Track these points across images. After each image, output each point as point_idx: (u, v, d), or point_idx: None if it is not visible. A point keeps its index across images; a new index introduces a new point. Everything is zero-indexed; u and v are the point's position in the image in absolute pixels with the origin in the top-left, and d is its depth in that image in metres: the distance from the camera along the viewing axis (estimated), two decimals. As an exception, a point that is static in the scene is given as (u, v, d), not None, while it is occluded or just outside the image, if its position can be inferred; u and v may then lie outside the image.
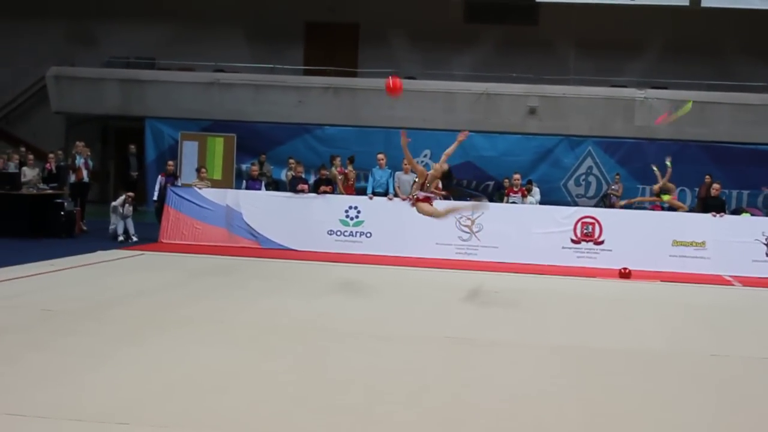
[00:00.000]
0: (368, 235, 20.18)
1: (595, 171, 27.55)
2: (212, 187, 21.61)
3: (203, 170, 22.38)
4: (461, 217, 19.83)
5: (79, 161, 22.65)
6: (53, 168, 22.60)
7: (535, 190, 22.34)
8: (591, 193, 27.54)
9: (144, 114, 29.11)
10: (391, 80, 14.28)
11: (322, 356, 9.29)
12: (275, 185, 23.17)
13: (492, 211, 20.20)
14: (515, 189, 21.22)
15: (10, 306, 11.41)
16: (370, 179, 21.05)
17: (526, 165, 26.14)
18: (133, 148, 25.99)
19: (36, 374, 7.95)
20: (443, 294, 14.48)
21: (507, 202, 21.22)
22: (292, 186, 21.15)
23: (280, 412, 7.15)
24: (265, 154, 26.09)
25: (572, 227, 19.74)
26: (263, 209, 20.53)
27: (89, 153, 23.41)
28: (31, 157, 22.92)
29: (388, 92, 14.39)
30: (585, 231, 19.70)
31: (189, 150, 28.01)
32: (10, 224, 20.36)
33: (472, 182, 27.67)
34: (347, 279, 15.99)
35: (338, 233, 20.26)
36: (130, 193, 21.33)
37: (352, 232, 20.24)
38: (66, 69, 29.92)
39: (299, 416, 7.10)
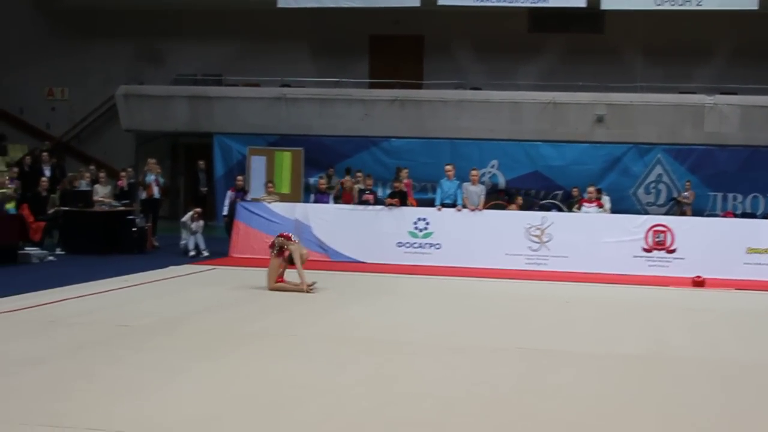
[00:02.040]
0: (437, 246, 20.15)
1: (665, 179, 27.23)
2: (280, 201, 21.75)
3: (271, 184, 22.52)
4: (530, 228, 19.73)
5: (150, 178, 22.93)
6: (125, 185, 22.89)
7: (605, 199, 22.12)
8: (661, 201, 27.21)
9: (212, 130, 29.39)
10: None
11: (395, 369, 9.27)
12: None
13: (562, 221, 20.10)
14: (590, 200, 20.95)
15: (87, 322, 11.56)
16: (438, 191, 21.00)
17: (594, 174, 25.90)
18: (202, 164, 26.27)
19: (113, 389, 8.04)
20: (514, 304, 14.41)
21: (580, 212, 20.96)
22: (360, 199, 21.23)
23: (353, 426, 7.15)
24: (333, 167, 26.18)
25: (643, 236, 19.52)
26: (332, 222, 20.60)
27: (160, 170, 23.69)
28: (102, 174, 23.22)
29: None
30: (657, 239, 19.47)
31: (257, 165, 28.20)
32: (84, 241, 20.66)
33: (540, 192, 27.51)
34: (418, 291, 15.98)
35: (407, 245, 20.26)
36: (198, 209, 21.51)
37: (421, 243, 20.23)
38: (135, 87, 30.33)
39: (372, 429, 7.09)
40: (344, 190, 21.87)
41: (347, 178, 22.81)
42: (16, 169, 22.12)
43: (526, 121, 27.90)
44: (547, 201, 27.00)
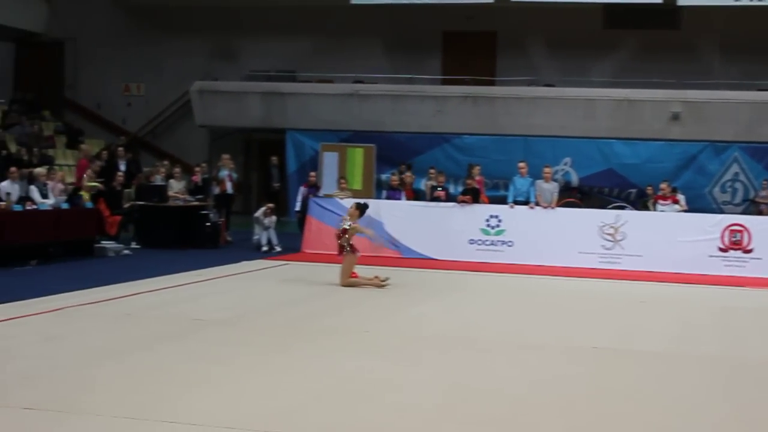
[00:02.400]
0: (510, 244, 20.04)
1: (741, 177, 26.78)
2: (353, 197, 21.77)
3: (343, 181, 22.56)
4: (604, 226, 19.56)
5: (223, 174, 23.09)
6: (200, 181, 23.09)
7: (680, 197, 21.82)
8: (737, 200, 26.76)
9: (285, 126, 29.54)
10: None
11: (467, 366, 9.25)
12: (415, 195, 23.20)
13: (636, 219, 19.88)
14: (665, 197, 20.67)
15: (163, 315, 11.71)
16: (511, 188, 20.88)
17: (669, 172, 25.53)
18: (275, 159, 26.41)
19: (188, 382, 8.13)
20: (587, 303, 14.30)
21: (655, 210, 20.67)
22: (432, 195, 21.19)
23: (426, 421, 7.14)
24: (405, 163, 26.17)
25: (719, 235, 19.22)
26: (404, 219, 20.58)
27: (233, 166, 23.85)
28: (177, 169, 23.42)
29: None
30: (733, 239, 19.17)
31: (329, 161, 28.26)
32: (158, 235, 20.88)
33: (613, 190, 27.23)
34: (489, 288, 15.94)
35: (479, 242, 20.18)
36: (271, 205, 21.60)
37: (493, 241, 20.14)
38: (209, 83, 30.59)
39: (446, 426, 7.08)
40: (405, 185, 21.87)
41: (407, 173, 22.78)
42: (99, 163, 22.39)
43: (599, 119, 27.63)
44: (615, 204, 26.76)
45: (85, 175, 21.12)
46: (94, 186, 20.64)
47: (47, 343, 9.70)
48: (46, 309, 11.78)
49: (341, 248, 15.37)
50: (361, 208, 16.08)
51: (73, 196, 19.90)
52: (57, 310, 11.72)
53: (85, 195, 20.12)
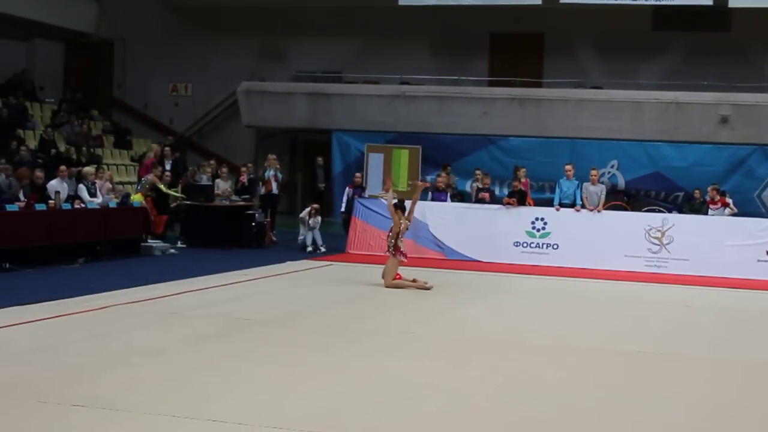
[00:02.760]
0: (555, 246, 19.97)
1: (791, 181, 26.50)
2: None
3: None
4: (651, 229, 19.42)
5: (269, 174, 23.16)
6: (246, 181, 23.19)
7: (729, 201, 21.60)
8: (787, 204, 26.48)
9: (331, 127, 29.61)
10: None
11: (512, 369, 9.22)
12: (460, 197, 23.17)
13: (683, 223, 19.72)
14: (713, 200, 20.48)
15: (208, 315, 11.77)
16: (557, 190, 20.79)
17: (717, 175, 25.26)
18: (320, 160, 26.45)
19: (233, 381, 8.16)
20: (633, 307, 14.20)
21: (707, 214, 20.49)
22: (476, 197, 21.16)
23: (471, 424, 7.12)
24: (450, 165, 26.13)
25: (768, 240, 19.06)
26: (449, 220, 20.58)
27: (279, 166, 23.90)
28: (224, 169, 23.53)
29: None
30: (782, 244, 18.98)
31: (375, 162, 28.30)
32: (204, 235, 20.99)
33: (660, 193, 27.03)
34: (534, 291, 15.89)
35: (524, 245, 20.13)
36: (315, 205, 21.66)
37: (538, 243, 20.08)
38: (256, 84, 30.71)
39: (490, 429, 7.05)
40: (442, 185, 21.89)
41: (443, 174, 22.80)
42: (160, 168, 22.40)
43: (647, 121, 27.43)
44: (659, 201, 26.57)
45: (149, 176, 21.24)
46: (175, 196, 21.01)
47: (94, 340, 9.79)
48: (93, 307, 11.89)
49: (388, 247, 15.43)
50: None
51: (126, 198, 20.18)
52: (103, 308, 11.83)
53: (139, 197, 20.32)
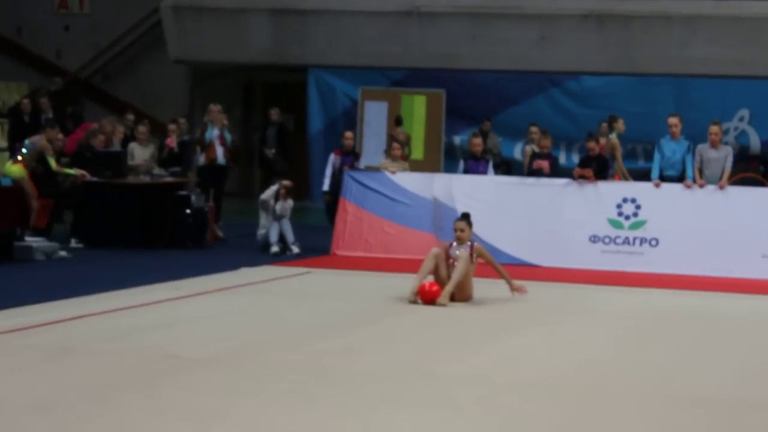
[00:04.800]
0: (653, 243, 20.01)
1: None
2: (411, 170, 21.78)
3: (397, 145, 22.53)
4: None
5: (212, 134, 23.15)
6: (175, 145, 23.18)
7: None
8: None
9: (306, 61, 29.65)
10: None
11: (591, 424, 9.21)
12: (507, 167, 23.22)
13: None
14: None
15: (121, 350, 11.76)
16: (656, 156, 20.78)
17: None
18: (275, 113, 26.37)
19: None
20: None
21: None
22: (530, 167, 21.14)
23: None
24: (491, 119, 26.14)
25: None
26: (489, 204, 20.57)
27: (226, 122, 23.89)
28: (142, 129, 23.50)
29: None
30: None
31: (374, 115, 28.33)
32: (115, 228, 21.03)
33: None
34: (623, 311, 15.91)
35: (606, 240, 20.19)
36: (285, 182, 21.61)
37: (628, 238, 20.12)
38: (190, -5, 30.76)
39: None
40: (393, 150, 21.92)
41: (398, 129, 22.93)
42: (57, 129, 22.17)
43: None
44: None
45: (36, 139, 20.94)
46: (68, 174, 20.95)
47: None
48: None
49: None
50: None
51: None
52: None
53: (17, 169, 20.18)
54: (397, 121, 26.32)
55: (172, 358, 11.39)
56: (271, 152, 25.94)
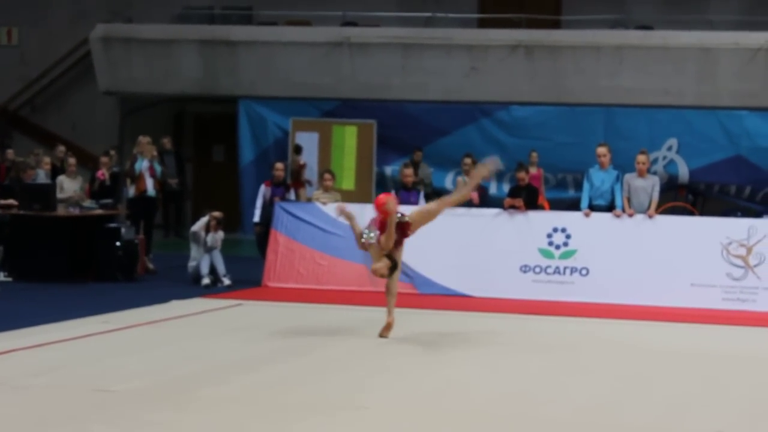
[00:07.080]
0: (583, 272, 20.07)
1: None
2: (342, 201, 21.77)
3: (328, 176, 22.54)
4: (731, 244, 19.51)
5: (141, 165, 23.08)
6: (106, 177, 23.10)
7: None
8: None
9: (237, 93, 29.61)
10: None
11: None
12: (437, 197, 23.23)
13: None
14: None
15: (49, 384, 11.67)
16: (585, 185, 20.85)
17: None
18: (167, 142, 26.37)
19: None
20: (708, 367, 14.27)
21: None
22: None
23: None
24: (422, 150, 26.18)
25: None
26: (420, 235, 20.52)
27: (155, 154, 23.84)
28: (71, 161, 23.41)
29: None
30: None
31: (306, 145, 28.30)
32: (43, 260, 20.93)
33: (744, 188, 27.22)
34: (554, 341, 15.91)
35: (537, 270, 20.22)
36: (216, 214, 21.59)
37: (558, 267, 20.16)
38: (119, 27, 30.67)
39: None
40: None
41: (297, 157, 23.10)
42: None
43: (722, 79, 27.64)
44: (742, 200, 26.79)
45: None
46: None
47: None
48: None
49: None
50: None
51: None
52: None
53: None
54: (296, 149, 26.44)
55: (101, 393, 11.30)
56: (174, 182, 25.88)
